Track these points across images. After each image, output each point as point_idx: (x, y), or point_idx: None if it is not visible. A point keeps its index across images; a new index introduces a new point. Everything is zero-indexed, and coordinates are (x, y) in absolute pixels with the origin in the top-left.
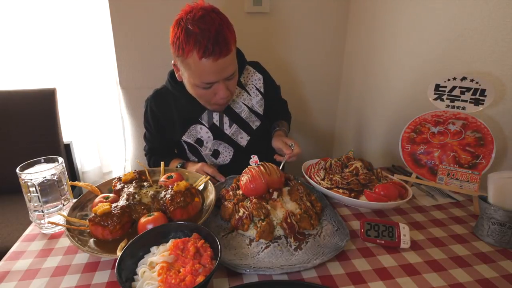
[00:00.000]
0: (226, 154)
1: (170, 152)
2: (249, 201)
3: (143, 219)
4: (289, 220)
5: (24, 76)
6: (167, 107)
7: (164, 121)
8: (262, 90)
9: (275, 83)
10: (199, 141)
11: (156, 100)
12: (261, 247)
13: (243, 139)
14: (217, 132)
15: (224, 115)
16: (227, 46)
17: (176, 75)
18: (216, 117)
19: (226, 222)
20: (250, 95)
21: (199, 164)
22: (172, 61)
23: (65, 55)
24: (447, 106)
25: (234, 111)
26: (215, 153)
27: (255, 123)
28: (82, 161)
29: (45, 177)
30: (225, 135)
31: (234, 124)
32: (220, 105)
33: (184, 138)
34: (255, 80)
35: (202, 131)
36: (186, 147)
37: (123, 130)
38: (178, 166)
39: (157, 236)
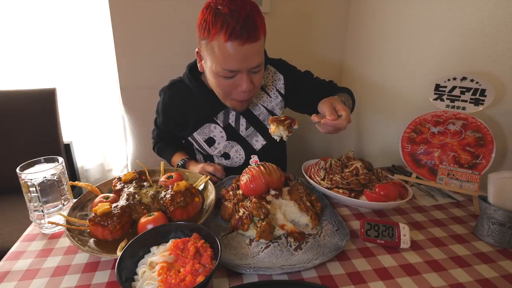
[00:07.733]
0: (237, 160)
1: (177, 143)
2: (249, 201)
3: (143, 219)
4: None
5: (24, 76)
6: (181, 101)
7: (177, 115)
8: (282, 91)
9: (300, 74)
10: (210, 140)
11: (171, 91)
12: (261, 247)
13: (258, 142)
14: (232, 133)
15: (242, 116)
16: (255, 32)
17: (198, 65)
18: (232, 118)
19: (226, 222)
20: (270, 97)
21: (201, 165)
22: (196, 49)
23: (65, 55)
24: (447, 106)
25: (253, 113)
26: (225, 156)
27: None
28: (83, 161)
29: (45, 177)
30: (239, 137)
31: (251, 127)
32: (240, 102)
33: (194, 135)
34: (276, 80)
35: (215, 130)
36: (194, 144)
37: (124, 130)
38: (179, 164)
39: (157, 236)
